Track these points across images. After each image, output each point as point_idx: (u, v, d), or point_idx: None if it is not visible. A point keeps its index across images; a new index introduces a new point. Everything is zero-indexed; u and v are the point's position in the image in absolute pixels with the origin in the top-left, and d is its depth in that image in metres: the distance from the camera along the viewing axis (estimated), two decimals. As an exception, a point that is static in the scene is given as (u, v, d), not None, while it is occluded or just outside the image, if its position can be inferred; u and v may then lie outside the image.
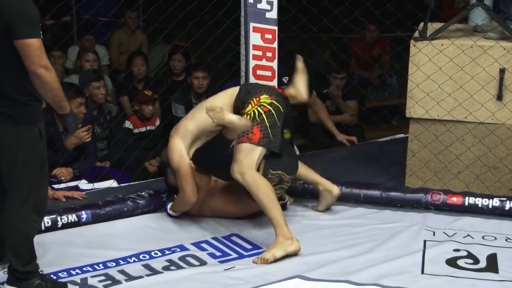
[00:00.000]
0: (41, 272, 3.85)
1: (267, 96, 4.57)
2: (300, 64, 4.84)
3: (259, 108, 4.51)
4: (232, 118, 4.34)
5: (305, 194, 5.07)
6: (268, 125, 4.47)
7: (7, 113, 3.61)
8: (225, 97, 4.68)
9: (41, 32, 3.58)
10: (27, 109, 3.64)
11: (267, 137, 4.46)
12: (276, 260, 4.20)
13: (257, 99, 4.56)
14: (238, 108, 4.59)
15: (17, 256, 3.74)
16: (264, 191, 4.34)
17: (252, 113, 4.50)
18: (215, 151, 4.50)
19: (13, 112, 3.61)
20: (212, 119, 4.32)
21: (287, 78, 6.69)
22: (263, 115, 4.49)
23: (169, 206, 4.76)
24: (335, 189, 4.89)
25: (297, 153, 5.68)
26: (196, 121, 4.63)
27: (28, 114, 3.65)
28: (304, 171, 4.90)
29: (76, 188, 5.16)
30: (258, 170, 4.45)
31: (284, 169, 4.55)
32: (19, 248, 3.74)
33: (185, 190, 4.55)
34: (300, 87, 4.83)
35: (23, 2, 3.55)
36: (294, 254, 4.25)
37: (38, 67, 3.53)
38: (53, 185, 5.01)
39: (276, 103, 4.56)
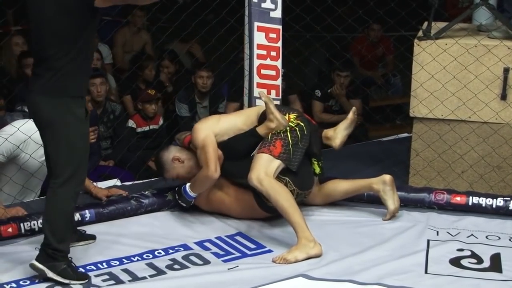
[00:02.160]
0: (70, 259, 3.88)
1: (295, 116, 4.61)
2: (264, 98, 4.62)
3: None
4: (276, 111, 4.50)
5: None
6: (290, 143, 4.49)
7: (59, 85, 3.63)
8: (252, 113, 4.72)
9: None
10: (78, 81, 3.68)
11: (287, 153, 4.47)
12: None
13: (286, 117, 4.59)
14: (262, 122, 4.61)
15: (53, 232, 3.77)
16: (283, 196, 4.33)
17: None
18: (237, 149, 4.58)
19: (65, 84, 3.64)
20: (262, 97, 4.55)
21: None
22: (288, 132, 4.51)
23: (187, 186, 4.63)
24: (385, 176, 4.78)
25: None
26: (229, 120, 4.71)
27: (78, 86, 3.69)
28: (346, 185, 4.85)
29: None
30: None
31: (299, 185, 4.55)
32: (56, 226, 3.77)
33: (209, 165, 4.45)
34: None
35: None
36: (315, 257, 4.23)
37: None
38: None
39: (302, 125, 4.57)
